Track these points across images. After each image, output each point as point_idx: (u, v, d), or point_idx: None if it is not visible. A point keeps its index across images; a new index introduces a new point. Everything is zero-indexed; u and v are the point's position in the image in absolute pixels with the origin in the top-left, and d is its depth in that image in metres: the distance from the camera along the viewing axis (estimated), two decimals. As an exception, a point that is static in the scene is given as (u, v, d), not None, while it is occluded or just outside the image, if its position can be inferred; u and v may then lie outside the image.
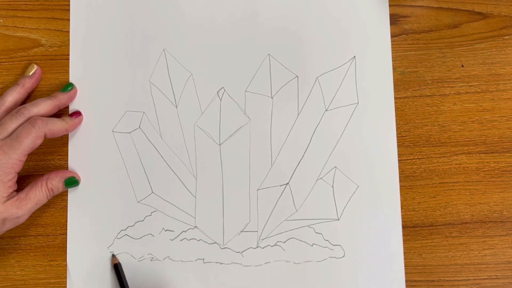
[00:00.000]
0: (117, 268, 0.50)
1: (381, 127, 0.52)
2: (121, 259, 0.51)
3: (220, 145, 0.52)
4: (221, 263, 0.51)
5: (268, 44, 0.52)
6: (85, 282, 0.50)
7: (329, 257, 0.50)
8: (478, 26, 0.53)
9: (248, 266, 0.51)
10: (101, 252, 0.51)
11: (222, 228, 0.51)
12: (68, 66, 0.52)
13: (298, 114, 0.52)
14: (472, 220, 0.51)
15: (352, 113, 0.52)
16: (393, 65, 0.52)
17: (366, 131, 0.52)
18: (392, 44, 0.53)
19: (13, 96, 0.50)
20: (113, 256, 0.50)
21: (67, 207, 0.51)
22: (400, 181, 0.51)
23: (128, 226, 0.51)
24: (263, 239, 0.51)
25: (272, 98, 0.52)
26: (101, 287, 0.50)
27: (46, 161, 0.52)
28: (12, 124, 0.47)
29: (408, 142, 0.52)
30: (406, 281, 0.50)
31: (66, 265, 0.51)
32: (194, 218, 0.51)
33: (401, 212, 0.51)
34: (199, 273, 0.50)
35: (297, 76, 0.52)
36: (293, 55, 0.52)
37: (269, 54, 0.52)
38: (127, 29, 0.53)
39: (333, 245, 0.51)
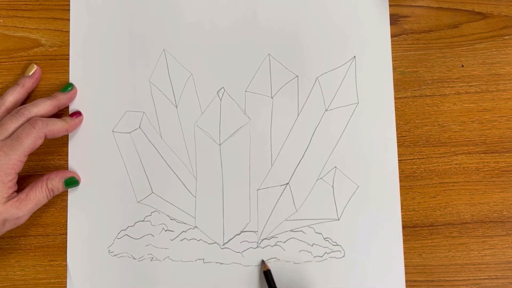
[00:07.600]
0: (267, 275, 0.49)
1: (381, 127, 0.52)
2: (121, 259, 0.51)
3: (220, 145, 0.52)
4: (221, 263, 0.51)
5: (268, 44, 0.52)
6: (85, 282, 0.51)
7: (329, 257, 0.51)
8: (478, 26, 0.53)
9: (248, 266, 0.51)
10: (101, 252, 0.51)
11: (222, 228, 0.51)
12: (68, 66, 0.52)
13: (298, 114, 0.52)
14: (472, 220, 0.51)
15: (352, 113, 0.52)
16: (393, 65, 0.52)
17: (366, 131, 0.52)
18: (392, 44, 0.52)
19: (13, 96, 0.50)
20: (263, 262, 0.50)
21: (67, 207, 0.51)
22: (400, 181, 0.51)
23: (128, 226, 0.51)
24: (263, 239, 0.51)
25: (272, 98, 0.52)
26: (101, 287, 0.50)
27: (46, 161, 0.52)
28: (12, 124, 0.47)
29: (408, 142, 0.52)
30: (406, 281, 0.50)
31: (66, 265, 0.51)
32: (194, 218, 0.51)
33: (401, 212, 0.51)
34: (199, 273, 0.51)
35: (297, 76, 0.52)
36: (293, 55, 0.52)
37: (269, 54, 0.52)
38: (127, 29, 0.53)
39: (333, 245, 0.51)
